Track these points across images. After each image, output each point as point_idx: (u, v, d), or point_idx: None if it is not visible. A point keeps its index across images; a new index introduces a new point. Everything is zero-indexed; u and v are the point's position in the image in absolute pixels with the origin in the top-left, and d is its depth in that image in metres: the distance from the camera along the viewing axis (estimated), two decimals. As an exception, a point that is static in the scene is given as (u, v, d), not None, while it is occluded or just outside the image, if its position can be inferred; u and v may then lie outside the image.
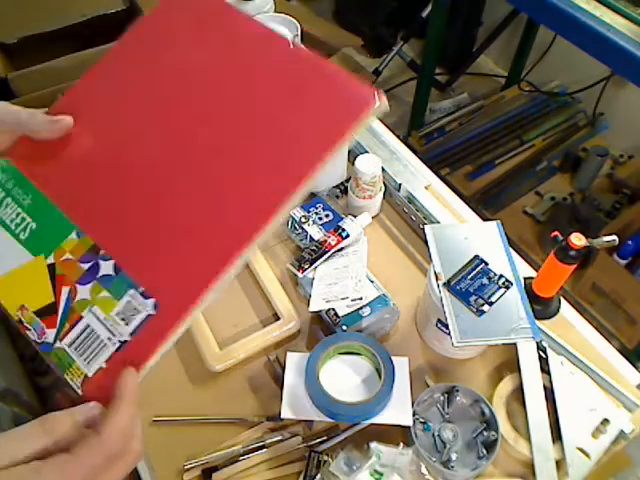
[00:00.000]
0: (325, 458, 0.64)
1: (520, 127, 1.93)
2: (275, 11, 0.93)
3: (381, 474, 0.61)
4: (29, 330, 0.43)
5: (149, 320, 0.40)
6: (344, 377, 0.68)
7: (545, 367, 0.71)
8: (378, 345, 0.68)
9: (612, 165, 1.79)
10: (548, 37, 1.96)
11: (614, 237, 0.64)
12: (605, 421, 0.67)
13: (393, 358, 0.67)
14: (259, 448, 0.67)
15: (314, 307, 0.74)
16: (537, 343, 0.72)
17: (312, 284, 0.77)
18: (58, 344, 0.42)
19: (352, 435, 0.67)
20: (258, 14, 0.89)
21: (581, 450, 0.65)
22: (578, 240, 0.65)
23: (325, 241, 0.80)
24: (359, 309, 0.73)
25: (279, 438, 0.67)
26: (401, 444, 0.63)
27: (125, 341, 0.40)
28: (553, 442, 0.66)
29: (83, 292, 0.42)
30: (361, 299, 0.74)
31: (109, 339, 0.40)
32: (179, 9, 0.50)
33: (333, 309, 0.73)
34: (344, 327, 0.72)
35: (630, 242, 1.50)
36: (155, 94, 0.48)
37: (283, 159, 0.43)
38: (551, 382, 0.70)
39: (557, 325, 0.74)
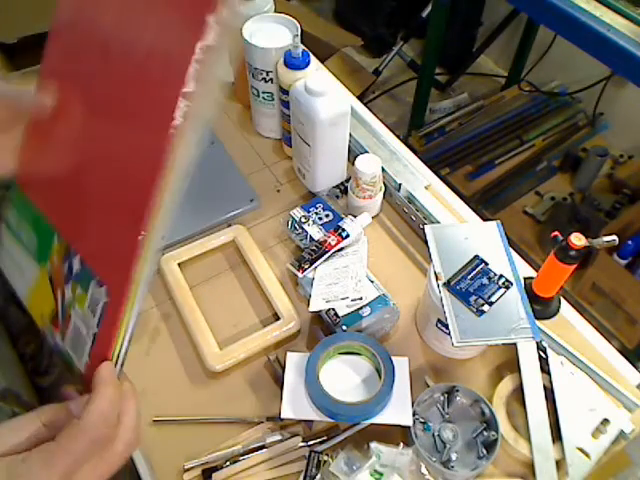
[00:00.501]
0: (325, 458, 0.64)
1: (520, 127, 1.93)
2: (275, 11, 0.93)
3: (381, 474, 0.61)
4: (48, 336, 0.44)
5: (106, 308, 0.40)
6: (344, 377, 0.68)
7: (545, 367, 0.71)
8: (378, 345, 0.68)
9: (612, 165, 1.79)
10: (548, 37, 1.96)
11: (614, 237, 0.64)
12: (605, 421, 0.67)
13: (393, 358, 0.67)
14: (259, 448, 0.67)
15: (314, 307, 0.74)
16: (537, 343, 0.72)
17: (312, 284, 0.77)
18: (63, 345, 0.42)
19: (352, 435, 0.67)
20: (258, 14, 0.89)
21: (581, 450, 0.65)
22: (578, 240, 0.65)
23: (325, 241, 0.80)
24: (359, 309, 0.73)
25: (279, 438, 0.67)
26: (401, 444, 0.63)
27: (95, 333, 0.40)
28: (553, 442, 0.66)
29: (67, 292, 0.43)
30: (361, 299, 0.74)
31: (87, 333, 0.41)
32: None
33: (333, 309, 0.73)
34: (344, 327, 0.72)
35: (630, 242, 1.50)
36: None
37: (155, 73, 0.39)
38: (551, 382, 0.70)
39: (557, 325, 0.74)
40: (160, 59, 0.38)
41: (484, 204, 1.72)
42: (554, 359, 0.71)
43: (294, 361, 0.69)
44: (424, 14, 2.06)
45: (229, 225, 0.87)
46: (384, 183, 0.88)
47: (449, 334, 0.63)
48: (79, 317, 0.41)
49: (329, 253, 0.79)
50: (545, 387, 0.70)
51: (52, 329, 0.43)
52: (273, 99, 0.93)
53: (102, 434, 0.37)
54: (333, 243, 0.79)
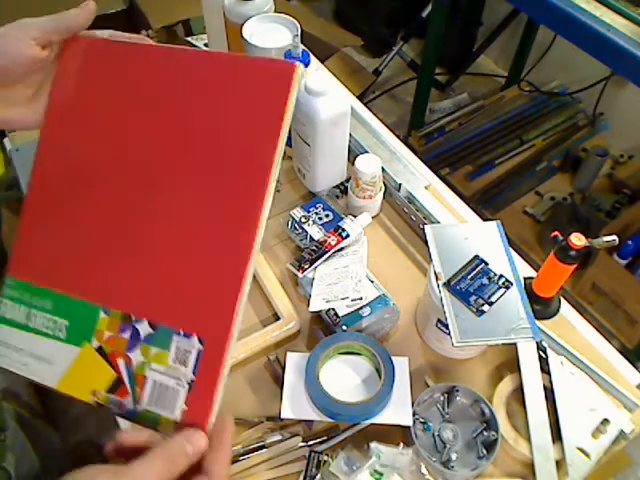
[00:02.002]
0: (325, 458, 0.64)
1: (520, 127, 1.93)
2: (275, 11, 0.93)
3: (381, 474, 0.61)
4: (109, 408, 0.45)
5: (202, 355, 0.43)
6: (344, 377, 0.68)
7: (545, 367, 0.71)
8: (378, 345, 0.68)
9: (612, 165, 1.79)
10: (548, 37, 1.96)
11: (614, 237, 0.64)
12: (605, 421, 0.67)
13: (393, 358, 0.67)
14: (259, 448, 0.67)
15: (314, 307, 0.74)
16: (537, 343, 0.72)
17: (312, 284, 0.77)
18: (139, 407, 0.44)
19: (352, 435, 0.67)
20: (258, 14, 0.89)
21: (581, 450, 0.65)
22: (578, 240, 0.65)
23: (325, 241, 0.80)
24: (359, 309, 0.73)
25: (279, 438, 0.67)
26: (401, 444, 0.63)
27: (192, 380, 0.43)
28: (553, 442, 0.66)
29: (135, 357, 0.45)
30: (361, 299, 0.74)
31: (178, 384, 0.43)
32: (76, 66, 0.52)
33: (333, 309, 0.73)
34: (344, 327, 0.72)
35: (630, 242, 1.50)
36: (110, 159, 0.49)
37: (243, 161, 0.45)
38: (551, 382, 0.70)
39: (557, 325, 0.74)
40: (244, 140, 0.45)
41: (484, 204, 1.72)
42: (554, 359, 0.71)
43: (294, 361, 0.69)
44: (424, 14, 2.06)
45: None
46: (384, 183, 0.88)
47: (449, 334, 0.63)
48: (161, 374, 0.44)
49: (329, 253, 0.79)
50: (545, 387, 0.70)
51: (116, 399, 0.45)
52: (273, 99, 0.92)
53: None
54: (333, 243, 0.79)
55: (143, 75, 0.49)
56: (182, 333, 0.44)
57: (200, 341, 0.43)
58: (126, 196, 0.48)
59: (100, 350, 0.46)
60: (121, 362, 0.45)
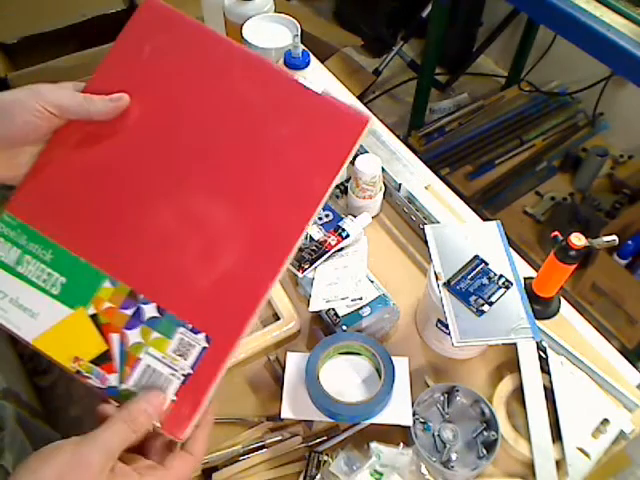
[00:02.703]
0: (325, 458, 0.64)
1: (520, 127, 1.93)
2: (275, 11, 0.93)
3: (381, 474, 0.61)
4: (89, 378, 0.44)
5: (205, 352, 0.43)
6: (344, 377, 0.68)
7: (545, 367, 0.71)
8: (378, 345, 0.68)
9: (612, 165, 1.79)
10: (548, 37, 1.96)
11: (614, 237, 0.64)
12: (605, 421, 0.67)
13: (393, 358, 0.67)
14: (259, 448, 0.67)
15: (314, 307, 0.74)
16: (537, 343, 0.72)
17: (312, 284, 0.77)
18: (123, 386, 0.43)
19: (352, 435, 0.67)
20: (258, 14, 0.89)
21: (581, 450, 0.65)
22: (578, 240, 0.65)
23: (325, 241, 0.80)
24: (359, 309, 0.73)
25: (279, 438, 0.67)
26: (401, 444, 0.63)
27: (189, 374, 0.43)
28: (553, 442, 0.66)
29: (133, 336, 0.44)
30: (361, 299, 0.74)
31: (172, 375, 0.43)
32: (154, 34, 0.49)
33: (333, 309, 0.73)
34: (344, 327, 0.72)
35: (630, 242, 1.50)
36: (155, 130, 0.47)
37: (297, 190, 0.46)
38: (551, 382, 0.70)
39: (557, 325, 0.74)
40: (310, 155, 0.46)
41: (484, 204, 1.72)
42: (554, 359, 0.71)
43: (294, 361, 0.69)
44: (424, 14, 2.05)
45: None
46: (384, 183, 0.88)
47: (449, 334, 0.63)
48: (157, 360, 0.43)
49: (329, 253, 0.79)
50: (545, 387, 0.70)
51: (99, 371, 0.44)
52: (273, 99, 0.92)
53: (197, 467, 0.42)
54: (333, 243, 0.79)
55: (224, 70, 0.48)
56: (190, 327, 0.43)
57: (207, 339, 0.43)
58: (166, 177, 0.46)
59: (94, 318, 0.44)
60: (115, 337, 0.44)
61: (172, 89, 0.48)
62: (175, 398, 0.43)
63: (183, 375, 0.43)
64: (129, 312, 0.44)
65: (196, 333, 0.43)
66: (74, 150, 0.47)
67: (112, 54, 0.49)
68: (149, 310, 0.44)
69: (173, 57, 0.49)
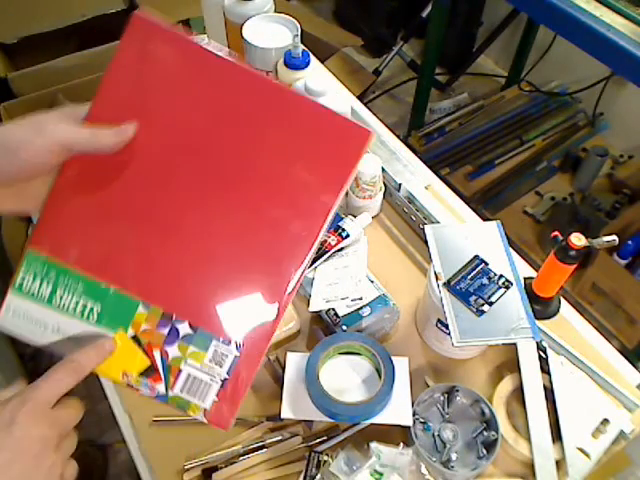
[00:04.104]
0: (325, 458, 0.64)
1: (520, 127, 1.93)
2: (275, 11, 0.93)
3: (381, 474, 0.61)
4: (139, 389, 0.48)
5: (237, 360, 0.47)
6: (344, 377, 0.68)
7: (545, 367, 0.71)
8: (378, 345, 0.68)
9: (612, 165, 1.79)
10: (548, 37, 1.96)
11: (614, 237, 0.64)
12: (605, 421, 0.67)
13: (393, 358, 0.67)
14: (259, 448, 0.67)
15: (314, 307, 0.74)
16: (537, 343, 0.72)
17: (312, 284, 0.77)
18: (171, 393, 0.48)
19: (352, 435, 0.67)
20: (258, 14, 0.89)
21: (581, 450, 0.65)
22: (578, 240, 0.65)
23: (325, 241, 0.80)
24: (359, 309, 0.73)
25: (279, 438, 0.67)
26: (401, 444, 0.63)
27: (225, 379, 0.48)
28: (553, 442, 0.66)
29: (172, 351, 0.48)
30: (361, 299, 0.74)
31: (211, 380, 0.48)
32: (148, 55, 0.50)
33: (333, 309, 0.73)
34: (344, 327, 0.72)
35: (630, 242, 1.50)
36: (164, 152, 0.49)
37: (306, 206, 0.48)
38: (551, 382, 0.70)
39: (557, 325, 0.74)
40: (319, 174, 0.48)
41: (484, 204, 1.72)
42: (554, 359, 0.71)
43: (294, 361, 0.69)
44: (424, 14, 2.06)
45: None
46: (384, 183, 0.88)
47: (449, 334, 0.63)
48: (196, 369, 0.48)
49: (329, 253, 0.79)
50: (545, 387, 0.70)
51: (148, 382, 0.48)
52: (273, 99, 0.92)
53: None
54: (333, 243, 0.79)
55: (227, 90, 0.49)
56: (221, 340, 0.47)
57: (238, 348, 0.47)
58: (180, 200, 0.48)
59: (135, 338, 0.48)
60: (157, 353, 0.48)
61: (176, 109, 0.48)
62: (217, 399, 0.48)
63: (221, 380, 0.48)
64: (165, 330, 0.48)
65: (228, 344, 0.47)
66: (86, 178, 0.48)
67: (108, 77, 0.49)
68: (183, 328, 0.48)
69: (171, 76, 0.49)
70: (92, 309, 0.48)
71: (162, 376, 0.48)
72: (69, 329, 0.48)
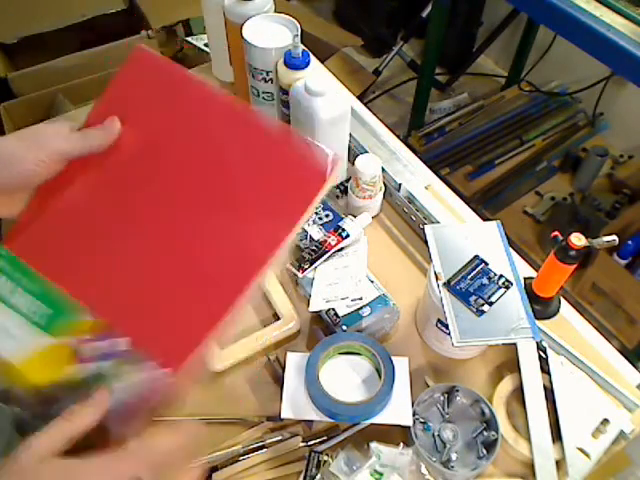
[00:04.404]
0: (325, 458, 0.64)
1: (520, 127, 1.93)
2: (275, 11, 0.93)
3: (381, 474, 0.61)
4: (61, 400, 0.46)
5: (159, 378, 0.46)
6: (344, 377, 0.68)
7: (545, 367, 0.71)
8: (378, 345, 0.68)
9: (612, 165, 1.79)
10: (548, 37, 1.96)
11: (614, 237, 0.64)
12: (605, 421, 0.67)
13: (393, 358, 0.67)
14: (259, 448, 0.67)
15: (314, 307, 0.74)
16: (537, 343, 0.72)
17: (312, 284, 0.77)
18: None
19: (352, 435, 0.67)
20: (258, 14, 0.89)
21: (581, 450, 0.65)
22: (578, 240, 0.65)
23: (325, 241, 0.80)
24: (359, 309, 0.73)
25: (279, 438, 0.67)
26: (401, 444, 0.63)
27: (148, 397, 0.46)
28: (553, 442, 0.66)
29: (104, 367, 0.47)
30: (361, 299, 0.74)
31: (134, 402, 0.46)
32: (141, 80, 0.52)
33: (333, 309, 0.73)
34: (344, 327, 0.72)
35: (630, 242, 1.50)
36: (135, 168, 0.50)
37: (259, 225, 0.47)
38: (551, 382, 0.70)
39: (557, 325, 0.74)
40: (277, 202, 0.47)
41: (484, 204, 1.72)
42: (554, 359, 0.71)
43: (294, 361, 0.69)
44: (424, 14, 2.06)
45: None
46: (384, 183, 0.88)
47: (449, 334, 0.63)
48: (122, 389, 0.46)
49: (329, 253, 0.79)
50: (545, 387, 0.70)
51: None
52: (273, 99, 0.92)
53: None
54: (333, 243, 0.79)
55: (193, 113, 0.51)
56: (153, 363, 0.46)
57: (168, 372, 0.46)
58: (142, 221, 0.49)
59: (71, 347, 0.47)
60: (87, 366, 0.47)
61: (154, 131, 0.51)
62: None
63: (144, 403, 0.46)
64: (103, 344, 0.47)
65: (158, 369, 0.46)
66: (61, 188, 0.50)
67: (104, 97, 0.52)
68: (121, 344, 0.47)
69: (157, 103, 0.52)
70: (44, 312, 0.48)
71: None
72: (14, 328, 0.48)
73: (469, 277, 0.67)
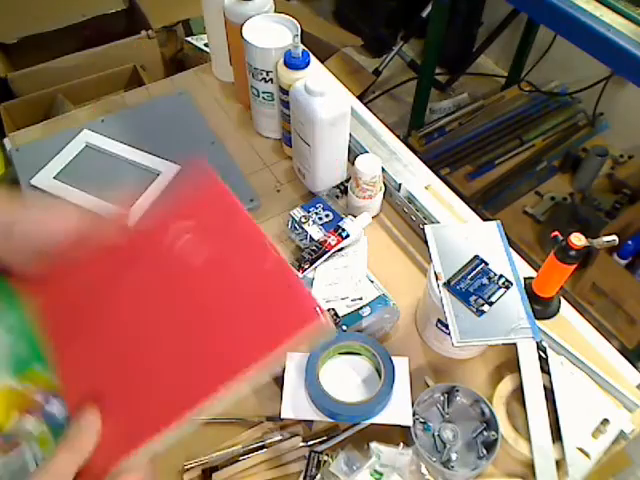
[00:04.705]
0: (325, 458, 0.64)
1: (520, 127, 1.93)
2: (275, 11, 0.93)
3: (381, 474, 0.61)
4: None
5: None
6: (344, 377, 0.68)
7: (545, 367, 0.71)
8: (378, 345, 0.68)
9: (612, 165, 1.79)
10: (548, 37, 1.96)
11: (614, 237, 0.64)
12: (605, 421, 0.67)
13: (393, 358, 0.67)
14: (259, 448, 0.67)
15: (314, 307, 0.74)
16: (537, 343, 0.72)
17: (312, 284, 0.77)
18: None
19: (352, 435, 0.67)
20: (258, 14, 0.89)
21: (581, 450, 0.65)
22: (578, 240, 0.65)
23: (325, 241, 0.80)
24: (359, 309, 0.73)
25: (279, 438, 0.67)
26: (401, 444, 0.63)
27: None
28: (553, 442, 0.66)
29: (29, 422, 0.44)
30: (361, 299, 0.74)
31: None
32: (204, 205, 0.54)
33: (333, 309, 0.73)
34: (344, 327, 0.72)
35: (630, 242, 1.50)
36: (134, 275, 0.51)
37: (225, 352, 0.45)
38: (551, 382, 0.69)
39: (557, 325, 0.74)
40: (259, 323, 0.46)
41: (484, 204, 1.72)
42: (554, 359, 0.71)
43: (294, 361, 0.69)
44: (424, 14, 2.06)
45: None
46: (384, 183, 0.88)
47: (449, 334, 0.63)
48: (33, 454, 0.43)
49: (329, 253, 0.79)
50: (545, 387, 0.70)
51: None
52: (273, 99, 0.93)
53: None
54: (333, 243, 0.79)
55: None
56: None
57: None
58: (140, 310, 0.49)
59: (27, 396, 0.46)
60: (16, 416, 0.45)
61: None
62: None
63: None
64: (40, 398, 0.45)
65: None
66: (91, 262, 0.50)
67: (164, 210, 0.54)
68: (56, 406, 0.45)
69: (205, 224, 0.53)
70: (19, 349, 0.47)
71: (1, 441, 0.44)
72: None
73: (469, 277, 0.67)
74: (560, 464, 0.65)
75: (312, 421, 0.68)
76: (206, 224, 0.52)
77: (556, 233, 0.67)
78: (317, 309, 0.44)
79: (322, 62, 1.13)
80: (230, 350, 0.45)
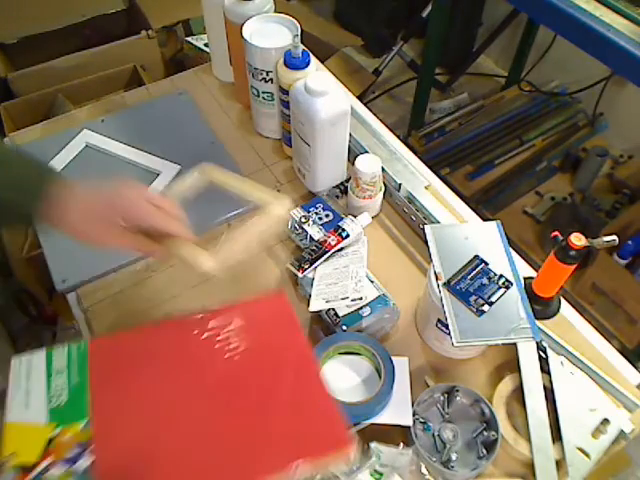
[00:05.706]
0: (325, 458, 0.64)
1: (520, 127, 1.93)
2: (275, 11, 0.93)
3: (381, 474, 0.61)
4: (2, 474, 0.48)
5: None
6: (344, 377, 0.68)
7: (545, 367, 0.71)
8: (378, 345, 0.68)
9: (612, 165, 1.79)
10: (548, 37, 1.96)
11: (614, 237, 0.64)
12: (605, 421, 0.67)
13: (393, 358, 0.67)
14: (259, 448, 0.67)
15: (314, 307, 0.74)
16: (537, 343, 0.72)
17: (312, 284, 0.77)
18: None
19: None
20: (258, 14, 0.89)
21: (581, 450, 0.65)
22: (578, 240, 0.65)
23: (325, 241, 0.80)
24: (359, 309, 0.73)
25: (279, 438, 0.67)
26: (401, 444, 0.63)
27: None
28: (553, 442, 0.66)
29: (58, 469, 0.48)
30: (361, 299, 0.73)
31: None
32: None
33: (333, 309, 0.73)
34: (344, 327, 0.72)
35: (630, 242, 1.50)
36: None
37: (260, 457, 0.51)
38: (551, 382, 0.69)
39: (557, 325, 0.74)
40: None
41: (484, 204, 1.72)
42: (554, 359, 0.71)
43: (294, 361, 0.68)
44: (424, 14, 2.05)
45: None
46: (384, 183, 0.88)
47: (449, 334, 0.63)
48: None
49: (329, 253, 0.79)
50: (545, 387, 0.70)
51: (15, 477, 0.48)
52: (273, 99, 0.93)
53: None
54: (333, 243, 0.79)
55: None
56: None
57: None
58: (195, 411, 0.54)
59: (51, 438, 0.50)
60: (48, 460, 0.48)
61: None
62: None
63: None
64: (74, 451, 0.49)
65: None
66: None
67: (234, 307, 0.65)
68: (85, 460, 0.48)
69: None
70: (62, 399, 0.52)
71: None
72: (32, 398, 0.52)
73: (469, 277, 0.67)
74: (560, 464, 0.65)
75: (312, 421, 0.68)
76: (260, 328, 0.60)
77: (556, 233, 0.67)
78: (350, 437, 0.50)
79: (322, 62, 1.13)
80: (261, 456, 0.50)
